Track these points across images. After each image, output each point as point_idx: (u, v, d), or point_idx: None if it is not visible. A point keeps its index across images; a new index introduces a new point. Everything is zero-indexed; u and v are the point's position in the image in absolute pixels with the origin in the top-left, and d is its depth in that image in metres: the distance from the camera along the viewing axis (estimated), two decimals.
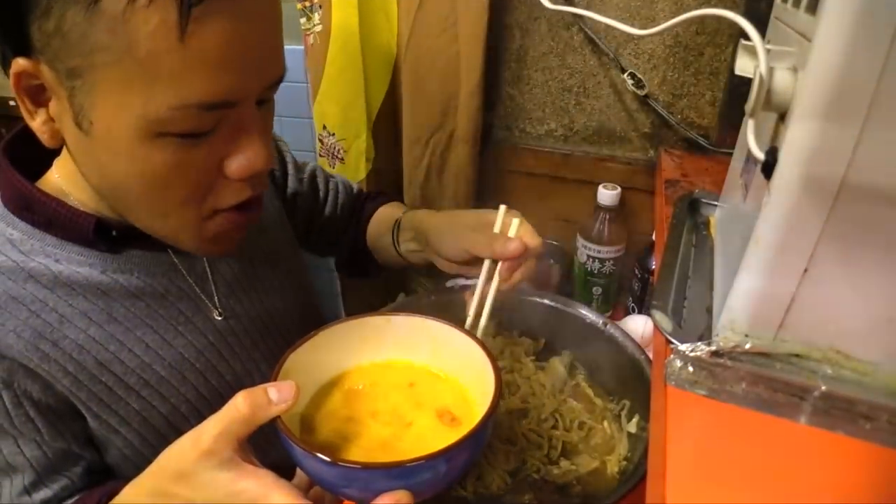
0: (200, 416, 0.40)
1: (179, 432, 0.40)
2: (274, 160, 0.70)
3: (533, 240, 0.54)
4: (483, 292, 0.53)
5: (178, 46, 0.37)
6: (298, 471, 0.43)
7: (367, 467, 0.36)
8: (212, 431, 0.37)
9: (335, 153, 0.99)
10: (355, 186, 0.84)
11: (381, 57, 0.93)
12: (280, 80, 0.47)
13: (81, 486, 0.51)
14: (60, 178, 0.51)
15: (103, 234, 0.50)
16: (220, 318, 0.58)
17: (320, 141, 1.00)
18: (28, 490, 0.48)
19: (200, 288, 0.57)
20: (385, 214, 0.77)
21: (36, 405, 0.47)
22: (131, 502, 0.42)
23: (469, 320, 0.52)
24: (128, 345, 0.51)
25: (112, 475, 0.53)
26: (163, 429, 0.53)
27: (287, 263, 0.68)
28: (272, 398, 0.38)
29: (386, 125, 0.98)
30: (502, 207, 0.56)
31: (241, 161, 0.45)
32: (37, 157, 0.51)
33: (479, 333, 0.50)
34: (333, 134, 0.97)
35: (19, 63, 0.40)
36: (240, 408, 0.37)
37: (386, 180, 1.02)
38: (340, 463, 0.36)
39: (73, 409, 0.49)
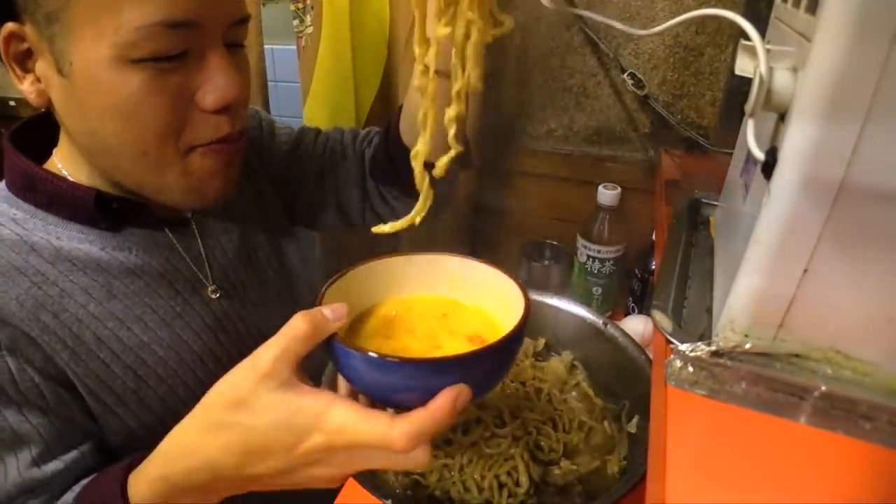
0: (196, 399, 0.40)
1: (176, 415, 0.40)
2: (255, 131, 0.69)
3: None
4: None
5: None
6: (340, 386, 0.45)
7: (434, 361, 0.37)
8: (269, 354, 0.37)
9: None
10: (360, 133, 0.74)
11: (372, 59, 0.93)
12: (243, 20, 0.49)
13: (93, 464, 0.50)
14: (59, 160, 0.54)
15: (103, 207, 0.52)
16: (215, 297, 0.58)
17: None
18: (37, 461, 0.48)
19: (197, 267, 0.58)
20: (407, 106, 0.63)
21: (39, 372, 0.47)
22: (182, 444, 0.40)
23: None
24: (126, 322, 0.51)
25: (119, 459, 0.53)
26: (159, 410, 0.53)
27: (279, 239, 0.68)
28: (328, 316, 0.38)
29: (378, 126, 0.98)
30: None
31: (212, 90, 0.47)
32: (40, 147, 0.54)
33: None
34: None
35: (7, 27, 0.44)
36: (300, 326, 0.37)
37: None
38: (412, 360, 0.37)
39: (72, 385, 0.49)
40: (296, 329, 0.37)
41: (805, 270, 0.32)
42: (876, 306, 0.32)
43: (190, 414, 0.40)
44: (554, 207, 1.01)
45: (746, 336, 0.35)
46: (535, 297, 0.69)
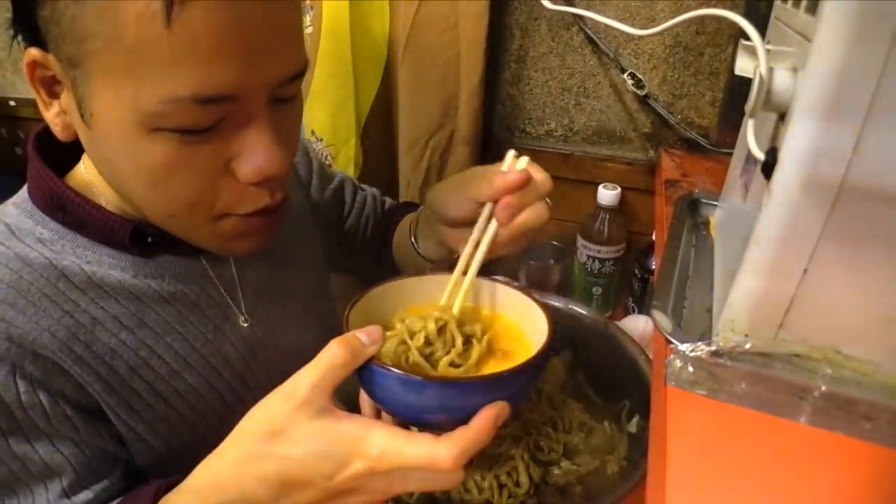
0: (225, 424, 0.39)
1: (205, 440, 0.39)
2: (302, 164, 0.69)
3: (539, 173, 0.48)
4: (478, 238, 0.47)
5: (165, 33, 0.35)
6: (364, 407, 0.45)
7: (469, 381, 0.38)
8: (307, 382, 0.36)
9: (323, 159, 0.99)
10: (388, 202, 0.80)
11: (372, 61, 0.93)
12: (299, 73, 0.42)
13: (121, 488, 0.49)
14: (91, 178, 0.50)
15: (138, 239, 0.49)
16: (245, 326, 0.56)
17: None
18: (67, 492, 0.46)
19: (230, 295, 0.56)
20: (406, 219, 0.71)
21: (71, 404, 0.46)
22: (215, 477, 0.39)
23: (457, 270, 0.47)
24: (158, 351, 0.50)
25: (147, 480, 0.52)
26: (188, 436, 0.52)
27: (310, 269, 0.67)
28: (364, 341, 0.38)
29: (377, 129, 0.98)
30: (511, 152, 0.50)
31: (250, 163, 0.42)
32: (66, 150, 0.49)
33: (464, 285, 0.46)
34: (322, 139, 0.97)
35: (31, 53, 0.40)
36: (338, 354, 0.37)
37: (377, 185, 1.02)
38: (456, 380, 0.38)
39: (102, 412, 0.48)
40: (333, 357, 0.37)
41: (805, 270, 0.32)
42: (876, 306, 0.32)
43: (222, 445, 0.39)
44: (554, 207, 1.01)
45: (746, 336, 0.35)
46: (536, 297, 0.69)
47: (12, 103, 1.32)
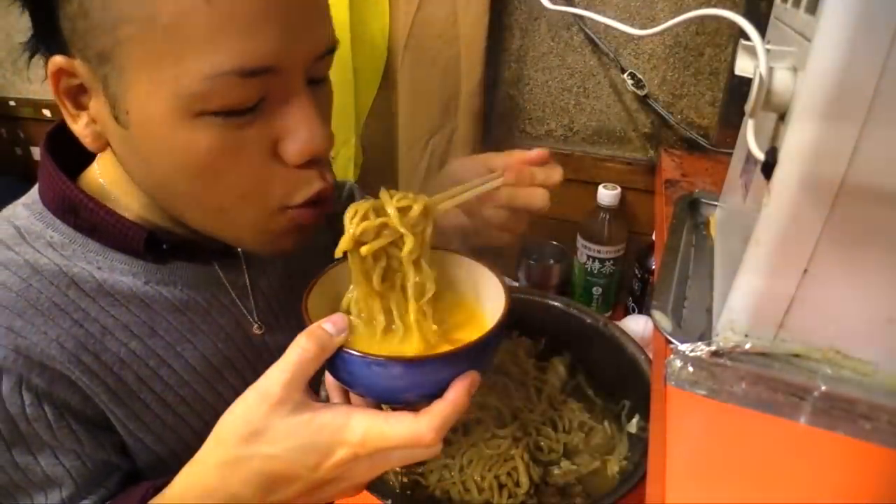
0: None
1: None
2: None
3: (555, 165, 0.52)
4: (477, 185, 0.47)
5: (205, 5, 0.34)
6: (332, 393, 0.44)
7: (437, 357, 0.38)
8: (279, 380, 0.36)
9: None
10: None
11: (372, 61, 0.93)
12: (330, 50, 0.42)
13: (116, 491, 0.49)
14: (105, 181, 0.48)
15: (152, 246, 0.48)
16: (259, 333, 0.56)
17: None
18: (65, 503, 0.46)
19: (242, 303, 0.55)
20: None
21: (76, 417, 0.45)
22: (200, 485, 0.39)
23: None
24: (168, 361, 0.49)
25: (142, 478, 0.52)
26: (193, 443, 0.51)
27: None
28: (331, 331, 0.38)
29: (377, 129, 0.98)
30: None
31: (298, 140, 0.41)
32: (78, 150, 0.47)
33: (452, 199, 0.46)
34: None
35: (56, 61, 0.39)
36: (307, 348, 0.37)
37: (377, 185, 1.01)
38: (428, 357, 0.38)
39: (108, 423, 0.47)
40: (303, 352, 0.37)
41: (805, 270, 0.32)
42: (876, 306, 0.32)
43: (201, 452, 0.39)
44: (554, 207, 1.01)
45: (746, 336, 0.35)
46: (536, 297, 0.69)
47: (12, 103, 1.32)
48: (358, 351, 0.37)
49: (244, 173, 0.41)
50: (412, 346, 0.41)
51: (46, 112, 1.29)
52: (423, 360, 0.38)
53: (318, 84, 0.43)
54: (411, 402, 0.38)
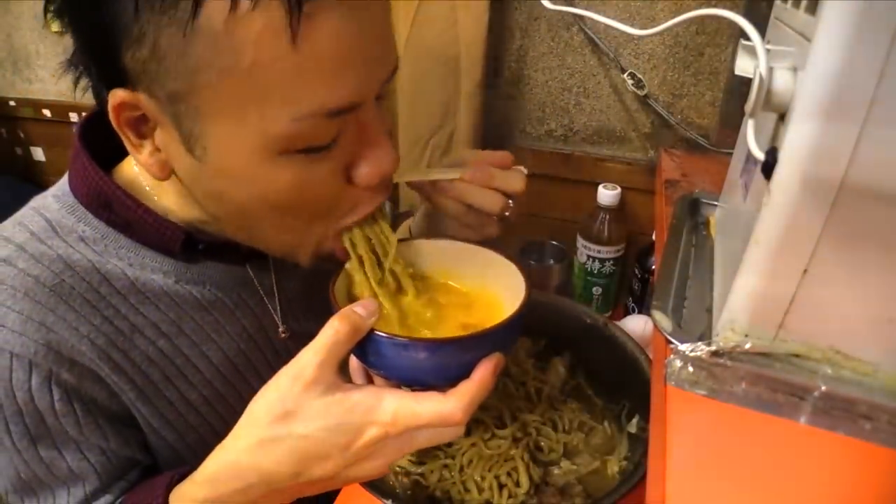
0: None
1: None
2: None
3: (518, 175, 0.50)
4: (431, 170, 0.50)
5: (290, 51, 0.34)
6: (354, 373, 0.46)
7: (464, 338, 0.39)
8: (314, 361, 0.37)
9: None
10: (387, 205, 0.79)
11: None
12: (395, 70, 0.43)
13: (136, 483, 0.49)
14: (144, 178, 0.48)
15: (188, 246, 0.48)
16: (284, 335, 0.57)
17: None
18: (89, 498, 0.47)
19: (268, 300, 0.56)
20: (403, 225, 0.71)
21: (103, 413, 0.46)
22: (231, 466, 0.39)
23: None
24: (193, 360, 0.50)
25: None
26: (213, 442, 0.52)
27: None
28: (362, 314, 0.39)
29: None
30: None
31: (371, 166, 0.41)
32: (112, 140, 0.45)
33: (417, 174, 0.50)
34: None
35: (117, 95, 0.38)
36: (340, 330, 0.37)
37: None
38: (457, 339, 0.39)
39: (133, 420, 0.48)
40: (336, 333, 0.37)
41: (805, 270, 0.32)
42: (876, 306, 0.32)
43: (234, 433, 0.40)
44: (554, 207, 1.01)
45: (746, 336, 0.35)
46: (536, 297, 0.69)
47: (12, 103, 1.32)
48: (387, 333, 0.38)
49: (320, 200, 0.42)
50: (416, 308, 0.44)
51: (46, 112, 1.29)
52: (450, 342, 0.39)
53: (379, 99, 0.43)
54: (435, 385, 0.40)
